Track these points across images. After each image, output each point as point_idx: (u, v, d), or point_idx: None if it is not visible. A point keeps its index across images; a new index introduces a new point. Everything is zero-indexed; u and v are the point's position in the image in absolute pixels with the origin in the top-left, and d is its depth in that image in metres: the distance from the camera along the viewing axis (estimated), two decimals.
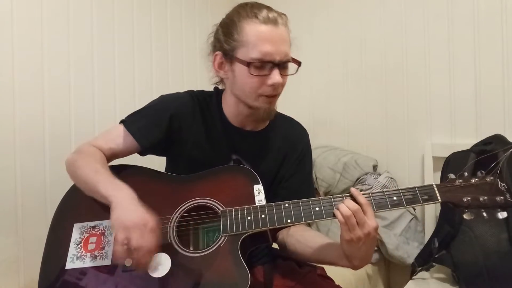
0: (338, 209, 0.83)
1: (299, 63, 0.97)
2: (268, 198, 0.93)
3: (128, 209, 0.82)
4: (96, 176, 0.90)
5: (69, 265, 0.87)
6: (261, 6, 0.95)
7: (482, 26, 1.62)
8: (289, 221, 0.86)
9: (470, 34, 1.65)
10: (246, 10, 0.94)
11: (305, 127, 1.16)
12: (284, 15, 0.96)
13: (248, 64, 0.91)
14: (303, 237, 1.00)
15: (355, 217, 0.81)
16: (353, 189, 0.86)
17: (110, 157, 1.01)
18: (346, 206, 0.82)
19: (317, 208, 0.87)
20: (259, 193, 0.91)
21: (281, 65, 0.94)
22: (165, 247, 0.86)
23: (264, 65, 0.92)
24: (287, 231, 1.04)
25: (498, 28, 1.58)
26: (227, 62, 0.97)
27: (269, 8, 0.95)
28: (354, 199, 0.85)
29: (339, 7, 2.04)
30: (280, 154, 1.07)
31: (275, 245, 1.08)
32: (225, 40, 0.96)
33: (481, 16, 1.62)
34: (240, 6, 0.97)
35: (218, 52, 0.98)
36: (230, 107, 1.04)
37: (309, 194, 0.96)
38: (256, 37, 0.91)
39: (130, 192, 0.86)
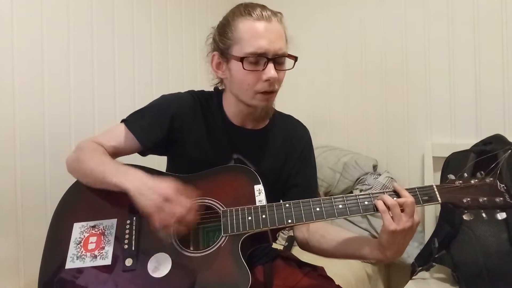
0: (381, 199, 0.85)
1: (295, 58, 0.97)
2: (277, 198, 0.93)
3: (146, 191, 0.83)
4: (103, 166, 0.91)
5: (69, 265, 0.87)
6: (255, 5, 0.95)
7: (482, 26, 1.62)
8: (289, 221, 0.87)
9: (470, 34, 1.65)
10: (239, 9, 0.96)
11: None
12: (280, 13, 0.97)
13: (241, 59, 0.91)
14: (328, 233, 1.00)
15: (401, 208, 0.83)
16: (396, 184, 0.88)
17: (111, 155, 1.00)
18: (389, 197, 0.84)
19: (317, 209, 0.87)
20: (259, 193, 0.91)
21: (277, 60, 0.94)
22: (165, 247, 0.86)
23: (258, 60, 0.92)
24: (307, 229, 1.04)
25: (498, 28, 1.58)
26: (224, 62, 0.98)
27: (263, 7, 0.95)
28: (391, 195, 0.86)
29: (339, 6, 2.04)
30: (282, 152, 1.07)
31: (275, 245, 1.08)
32: (220, 39, 0.97)
33: (481, 16, 1.62)
34: (236, 6, 0.99)
35: (215, 52, 0.99)
36: (230, 106, 1.04)
37: (317, 188, 1.00)
38: (249, 33, 0.92)
39: (140, 172, 0.88)
